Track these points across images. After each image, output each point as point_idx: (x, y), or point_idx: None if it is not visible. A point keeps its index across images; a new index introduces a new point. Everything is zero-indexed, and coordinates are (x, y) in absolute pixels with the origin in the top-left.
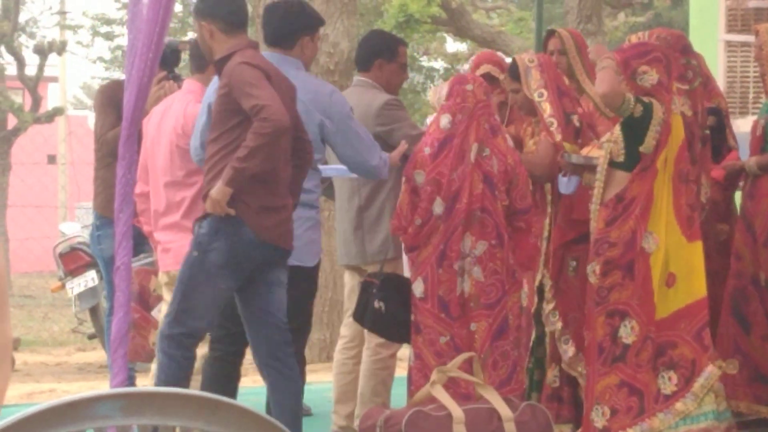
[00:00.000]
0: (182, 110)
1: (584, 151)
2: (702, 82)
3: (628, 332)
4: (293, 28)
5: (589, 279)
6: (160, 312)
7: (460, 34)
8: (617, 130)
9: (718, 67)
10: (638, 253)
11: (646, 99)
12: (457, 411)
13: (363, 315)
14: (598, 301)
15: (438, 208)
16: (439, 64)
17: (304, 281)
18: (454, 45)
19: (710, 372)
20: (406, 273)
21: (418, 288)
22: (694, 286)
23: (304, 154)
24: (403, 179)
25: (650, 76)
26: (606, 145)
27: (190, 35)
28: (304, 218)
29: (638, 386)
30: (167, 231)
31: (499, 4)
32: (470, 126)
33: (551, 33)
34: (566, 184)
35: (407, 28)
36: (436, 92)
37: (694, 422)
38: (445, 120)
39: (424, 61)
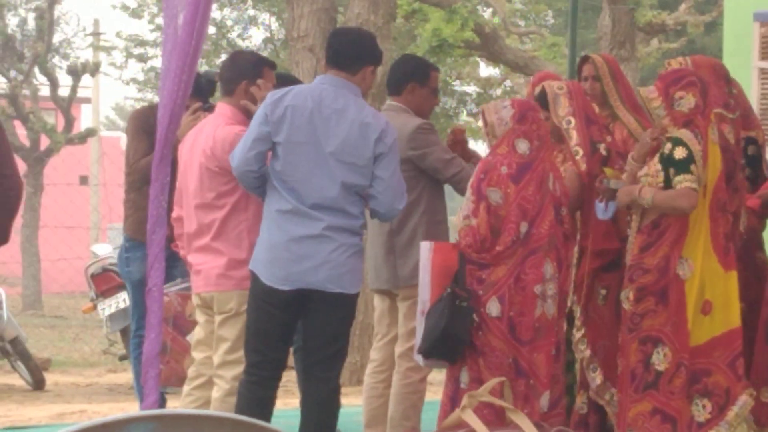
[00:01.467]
0: (212, 133)
1: (625, 177)
2: (741, 111)
3: (660, 359)
4: (361, 55)
5: (623, 305)
6: (193, 336)
7: (493, 58)
8: (656, 164)
9: (751, 94)
10: (672, 279)
11: (683, 138)
12: None
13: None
14: (631, 327)
15: (522, 232)
16: (472, 89)
17: (344, 308)
18: (486, 70)
19: (744, 401)
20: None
21: (494, 307)
22: (730, 315)
23: (6, 192)
24: (472, 196)
25: (687, 101)
26: (644, 179)
27: (223, 57)
28: (347, 245)
29: (671, 413)
30: (198, 253)
31: (532, 29)
32: (546, 154)
33: (585, 59)
34: (603, 211)
35: (440, 52)
36: (495, 112)
37: None
38: (523, 145)
39: (457, 86)
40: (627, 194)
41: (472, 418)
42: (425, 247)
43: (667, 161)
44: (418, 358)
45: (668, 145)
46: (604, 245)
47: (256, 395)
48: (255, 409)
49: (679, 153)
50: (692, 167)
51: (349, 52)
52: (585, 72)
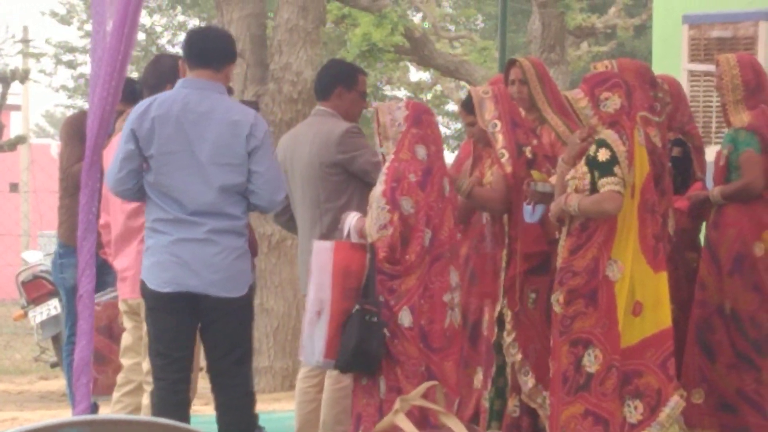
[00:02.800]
0: None
1: (553, 180)
2: (669, 113)
3: (591, 361)
4: (226, 52)
5: (554, 308)
6: (121, 343)
7: (423, 63)
8: (582, 166)
9: None
10: (601, 281)
11: (607, 139)
12: None
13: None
14: (562, 330)
15: (426, 240)
16: (402, 93)
17: (237, 312)
18: (417, 74)
19: (676, 402)
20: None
21: (405, 317)
22: (660, 316)
23: None
24: (387, 205)
25: (612, 102)
26: (571, 182)
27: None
28: (231, 248)
29: (604, 415)
30: (125, 258)
31: (462, 33)
32: (441, 159)
33: (512, 62)
34: (531, 214)
35: (370, 57)
36: (388, 112)
37: None
38: (421, 151)
39: (387, 90)
40: (556, 206)
41: (404, 422)
42: (325, 247)
43: (593, 163)
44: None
45: (593, 147)
46: (532, 248)
47: (167, 401)
48: (168, 414)
49: (603, 155)
50: (616, 169)
51: (215, 50)
52: (512, 75)
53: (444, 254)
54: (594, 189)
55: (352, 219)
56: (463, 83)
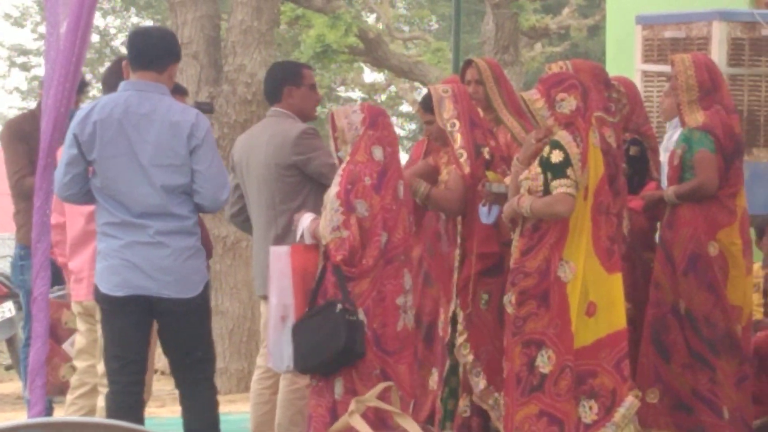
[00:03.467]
0: None
1: (507, 181)
2: (626, 114)
3: (545, 362)
4: (169, 52)
5: (507, 309)
6: (73, 345)
7: (378, 64)
8: (536, 167)
9: None
10: (553, 282)
11: (561, 141)
12: None
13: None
14: (515, 331)
15: (383, 243)
16: (357, 95)
17: (193, 313)
18: (371, 75)
19: (631, 402)
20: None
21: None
22: (614, 317)
23: None
24: (341, 207)
25: (568, 103)
26: (524, 183)
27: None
28: (181, 249)
29: (558, 416)
30: (83, 260)
31: (416, 34)
32: (397, 161)
33: (468, 63)
34: (487, 215)
35: (324, 58)
36: (345, 116)
37: None
38: (378, 152)
39: (342, 92)
40: (509, 208)
41: (360, 424)
42: (281, 252)
43: (546, 165)
44: (279, 366)
45: (546, 148)
46: (484, 248)
47: (122, 403)
48: (123, 417)
49: (556, 156)
50: (569, 171)
51: (157, 50)
52: (468, 76)
53: (398, 257)
54: (547, 190)
55: (305, 221)
56: (417, 84)
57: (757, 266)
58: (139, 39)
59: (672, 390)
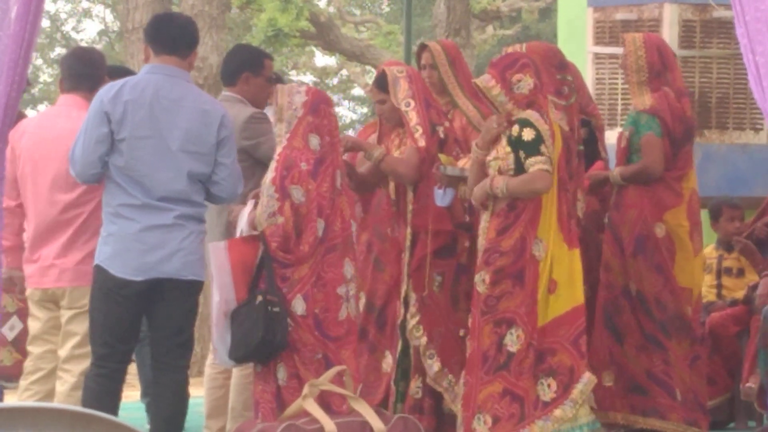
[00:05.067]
0: (77, 128)
1: (460, 164)
2: (577, 97)
3: (513, 340)
4: (194, 39)
5: (477, 288)
6: (12, 330)
7: (329, 48)
8: (504, 146)
9: (587, 79)
10: (528, 260)
11: (530, 118)
12: (329, 425)
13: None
14: (485, 310)
15: (320, 230)
16: (309, 78)
17: (194, 296)
18: (323, 59)
19: (588, 378)
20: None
21: (299, 305)
22: (574, 293)
23: None
24: (276, 194)
25: (526, 83)
26: (493, 163)
27: (58, 50)
28: (197, 232)
29: (519, 393)
30: (53, 248)
31: (367, 18)
32: (335, 151)
33: (423, 47)
34: (442, 197)
35: (276, 42)
36: (288, 95)
37: None
38: (314, 141)
39: (293, 76)
40: (480, 189)
41: (313, 407)
42: (219, 247)
43: (517, 143)
44: (225, 362)
45: (516, 127)
46: (438, 226)
47: (105, 388)
48: (103, 401)
49: (528, 134)
50: (542, 148)
51: (184, 36)
52: (423, 60)
53: (337, 246)
54: (519, 169)
55: (244, 215)
56: (369, 68)
57: (710, 248)
58: (164, 24)
59: (627, 372)
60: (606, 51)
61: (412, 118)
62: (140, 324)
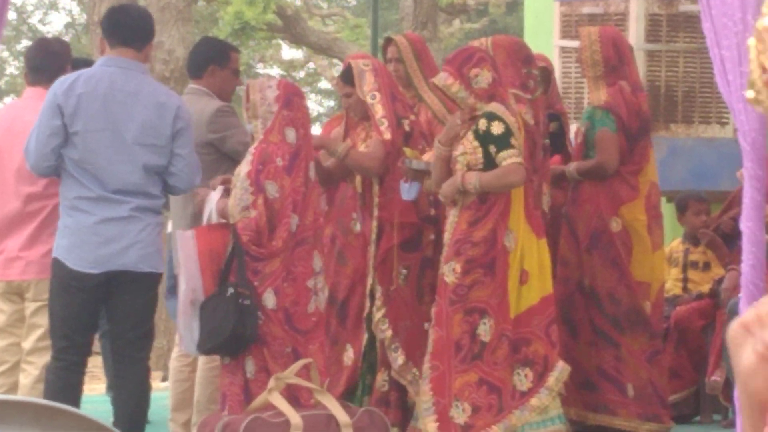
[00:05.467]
0: None
1: (425, 157)
2: (543, 90)
3: (486, 330)
4: (149, 31)
5: (446, 279)
6: None
7: (296, 41)
8: (472, 141)
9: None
10: (500, 251)
11: (497, 112)
12: (295, 418)
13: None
14: (455, 299)
15: (293, 225)
16: (275, 71)
17: (152, 288)
18: (289, 52)
19: (562, 366)
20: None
21: (269, 299)
22: (544, 283)
23: None
24: (251, 187)
25: (484, 76)
26: (461, 158)
27: (24, 43)
28: (153, 224)
29: (497, 384)
30: (18, 239)
31: (334, 11)
32: (309, 143)
33: (389, 40)
34: (408, 190)
35: (243, 35)
36: (259, 90)
37: (541, 426)
38: (291, 134)
39: (260, 69)
40: (450, 186)
41: (279, 401)
42: (186, 236)
43: (486, 137)
44: (191, 349)
45: (483, 121)
46: (404, 219)
47: (65, 381)
48: (64, 394)
49: (497, 128)
50: (512, 141)
51: (139, 29)
52: (389, 54)
53: (308, 239)
54: (488, 164)
55: (212, 200)
56: (336, 61)
57: (677, 242)
58: (120, 16)
59: (580, 368)
60: (572, 45)
61: (378, 110)
62: (98, 317)
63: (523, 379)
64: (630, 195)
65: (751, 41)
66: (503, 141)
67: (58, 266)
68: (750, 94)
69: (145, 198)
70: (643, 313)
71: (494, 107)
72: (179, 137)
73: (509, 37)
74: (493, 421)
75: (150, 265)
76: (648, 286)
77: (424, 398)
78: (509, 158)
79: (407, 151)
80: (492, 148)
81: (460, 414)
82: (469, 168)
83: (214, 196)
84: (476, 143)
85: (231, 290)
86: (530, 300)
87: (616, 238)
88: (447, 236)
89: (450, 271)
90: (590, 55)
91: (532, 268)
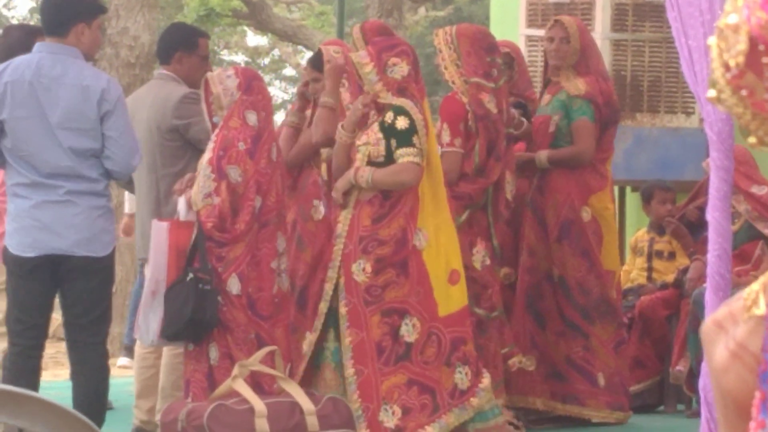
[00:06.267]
0: None
1: None
2: (507, 80)
3: (410, 330)
4: (67, 15)
5: (355, 277)
6: None
7: (261, 27)
8: (377, 132)
9: None
10: (411, 250)
11: (405, 107)
12: (259, 405)
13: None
14: (370, 300)
15: (257, 208)
16: (240, 58)
17: (99, 272)
18: (254, 39)
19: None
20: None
21: (234, 285)
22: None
23: None
24: (213, 174)
25: (400, 68)
26: (363, 149)
27: None
28: (91, 207)
29: (429, 384)
30: None
31: None
32: (270, 124)
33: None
34: None
35: (208, 21)
36: (220, 82)
37: (482, 419)
38: (252, 117)
39: (225, 55)
40: (344, 180)
41: (243, 388)
42: (161, 227)
43: (390, 131)
44: (146, 340)
45: (390, 114)
46: None
47: (21, 366)
48: (21, 379)
49: (402, 123)
50: (414, 139)
51: (54, 15)
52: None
53: (271, 220)
54: (390, 157)
55: (183, 200)
56: (300, 48)
57: (642, 231)
58: (43, 4)
59: (547, 358)
60: (539, 33)
61: (345, 98)
62: (50, 300)
63: (464, 377)
64: (600, 184)
65: (713, 40)
66: (405, 138)
67: (4, 251)
68: (712, 93)
69: (79, 181)
70: (611, 303)
71: (404, 102)
72: (107, 120)
73: (473, 26)
74: (426, 422)
75: (88, 249)
76: (614, 274)
77: (353, 406)
78: (406, 156)
79: None
80: (393, 142)
81: (389, 417)
82: (369, 159)
83: (184, 198)
84: (380, 135)
85: (191, 275)
86: (463, 300)
87: (587, 228)
88: (341, 228)
89: (359, 270)
90: (573, 44)
91: (462, 269)
